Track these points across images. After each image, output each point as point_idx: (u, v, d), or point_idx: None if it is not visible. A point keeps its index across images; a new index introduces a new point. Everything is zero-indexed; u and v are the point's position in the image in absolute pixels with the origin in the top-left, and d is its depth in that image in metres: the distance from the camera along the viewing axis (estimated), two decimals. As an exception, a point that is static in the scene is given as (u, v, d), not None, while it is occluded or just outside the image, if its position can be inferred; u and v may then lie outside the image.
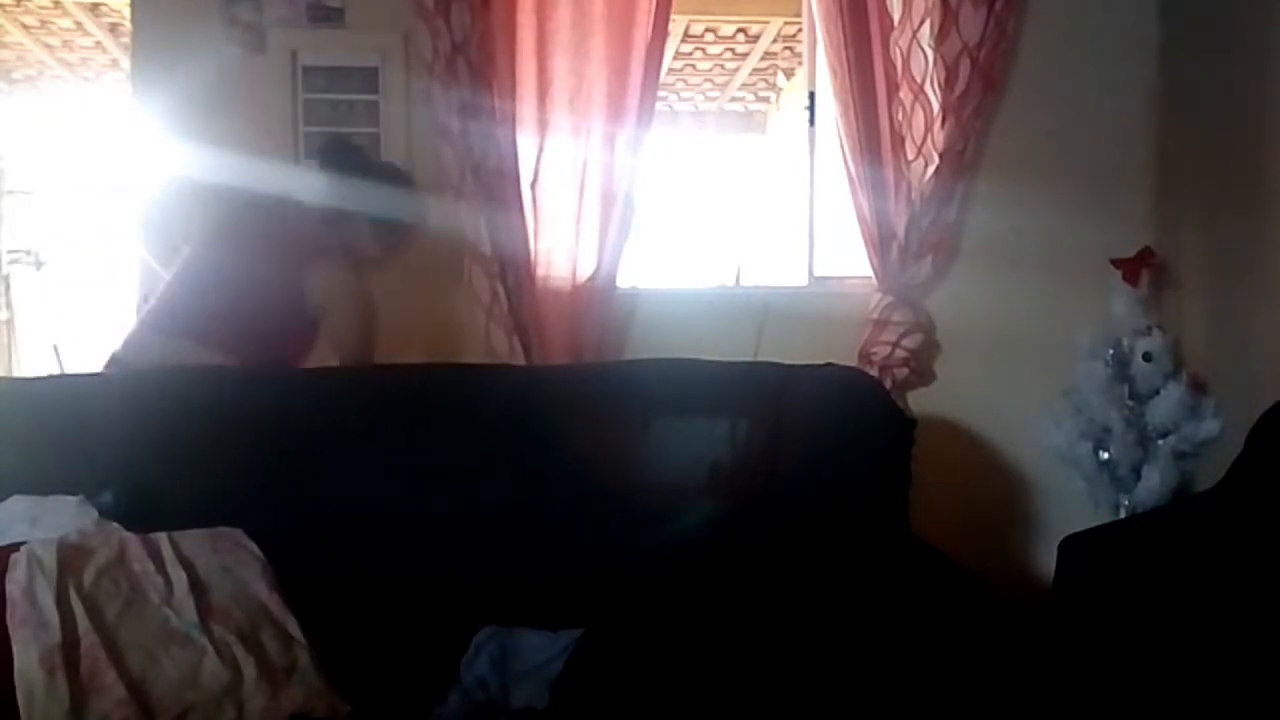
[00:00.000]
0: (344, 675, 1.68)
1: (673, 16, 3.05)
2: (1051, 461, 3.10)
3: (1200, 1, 3.05)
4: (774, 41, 5.93)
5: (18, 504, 1.86)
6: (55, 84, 6.78)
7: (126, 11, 3.09)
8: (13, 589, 1.56)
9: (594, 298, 3.00)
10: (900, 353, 3.06)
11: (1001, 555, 3.08)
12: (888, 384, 2.97)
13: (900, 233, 3.06)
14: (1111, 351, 3.01)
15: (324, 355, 2.38)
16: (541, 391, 2.26)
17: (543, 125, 2.96)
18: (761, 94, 7.28)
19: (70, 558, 1.62)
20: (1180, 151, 3.12)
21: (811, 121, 3.30)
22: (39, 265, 6.45)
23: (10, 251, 6.35)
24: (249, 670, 1.59)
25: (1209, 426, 2.88)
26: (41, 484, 1.90)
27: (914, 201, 3.05)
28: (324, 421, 2.10)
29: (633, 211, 3.01)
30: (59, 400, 2.11)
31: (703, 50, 6.27)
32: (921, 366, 3.13)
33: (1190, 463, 2.95)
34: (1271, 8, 2.69)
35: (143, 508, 1.88)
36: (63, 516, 1.81)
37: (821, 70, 3.20)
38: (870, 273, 3.12)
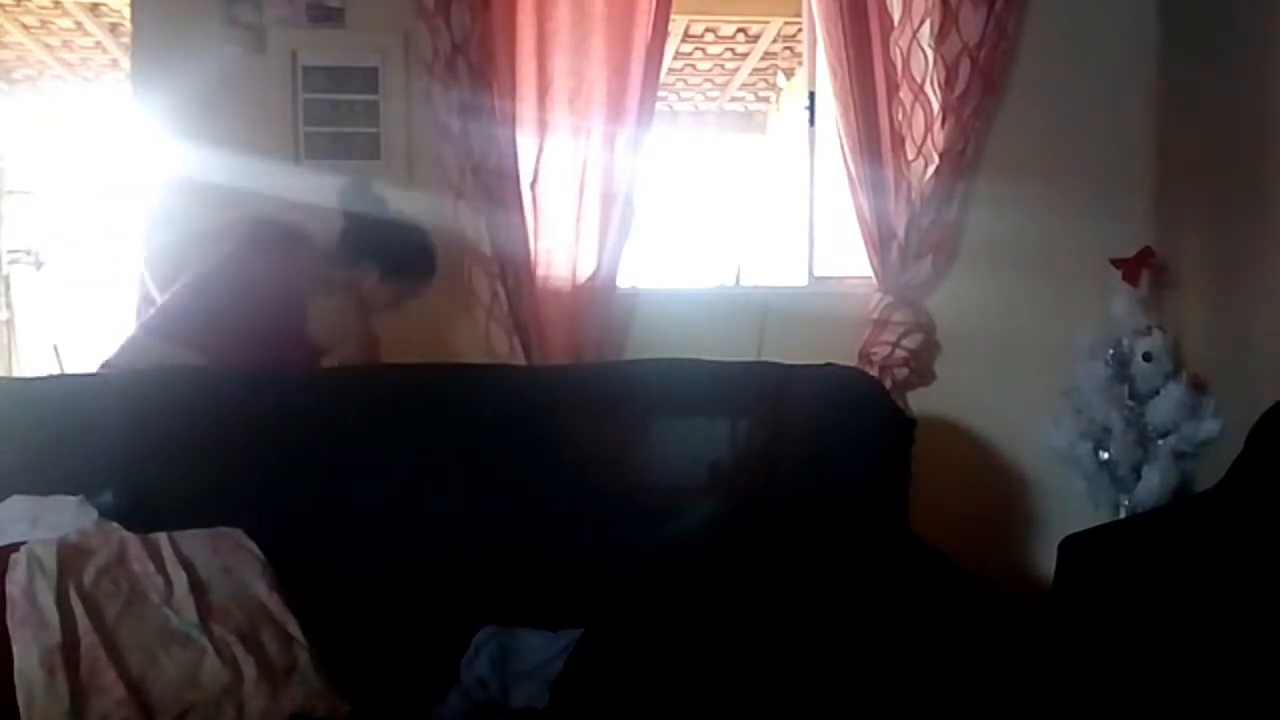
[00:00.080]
0: (344, 675, 1.68)
1: (673, 16, 3.05)
2: (1051, 461, 3.10)
3: (1200, 1, 3.05)
4: (774, 41, 5.93)
5: (18, 504, 1.86)
6: (55, 84, 6.78)
7: (126, 11, 3.09)
8: (13, 589, 1.56)
9: (594, 298, 3.00)
10: (900, 353, 3.06)
11: (1001, 555, 3.08)
12: (888, 384, 2.97)
13: (900, 233, 3.06)
14: (1111, 351, 3.01)
15: None
16: (541, 391, 2.26)
17: (543, 125, 2.96)
18: (761, 94, 7.28)
19: (70, 558, 1.62)
20: (1180, 151, 3.12)
21: (811, 121, 3.30)
22: (39, 265, 6.46)
23: (10, 251, 6.35)
24: (249, 670, 1.59)
25: (1209, 426, 2.88)
26: (41, 484, 1.90)
27: (914, 201, 3.05)
28: (324, 421, 2.10)
29: (633, 211, 3.01)
30: (59, 400, 2.11)
31: (703, 50, 6.27)
32: (921, 366, 3.13)
33: (1190, 463, 2.95)
34: (1271, 8, 2.69)
35: (143, 508, 1.88)
36: (63, 516, 1.81)
37: (821, 70, 3.20)
38: (870, 273, 3.12)
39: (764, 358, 2.69)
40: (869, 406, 2.16)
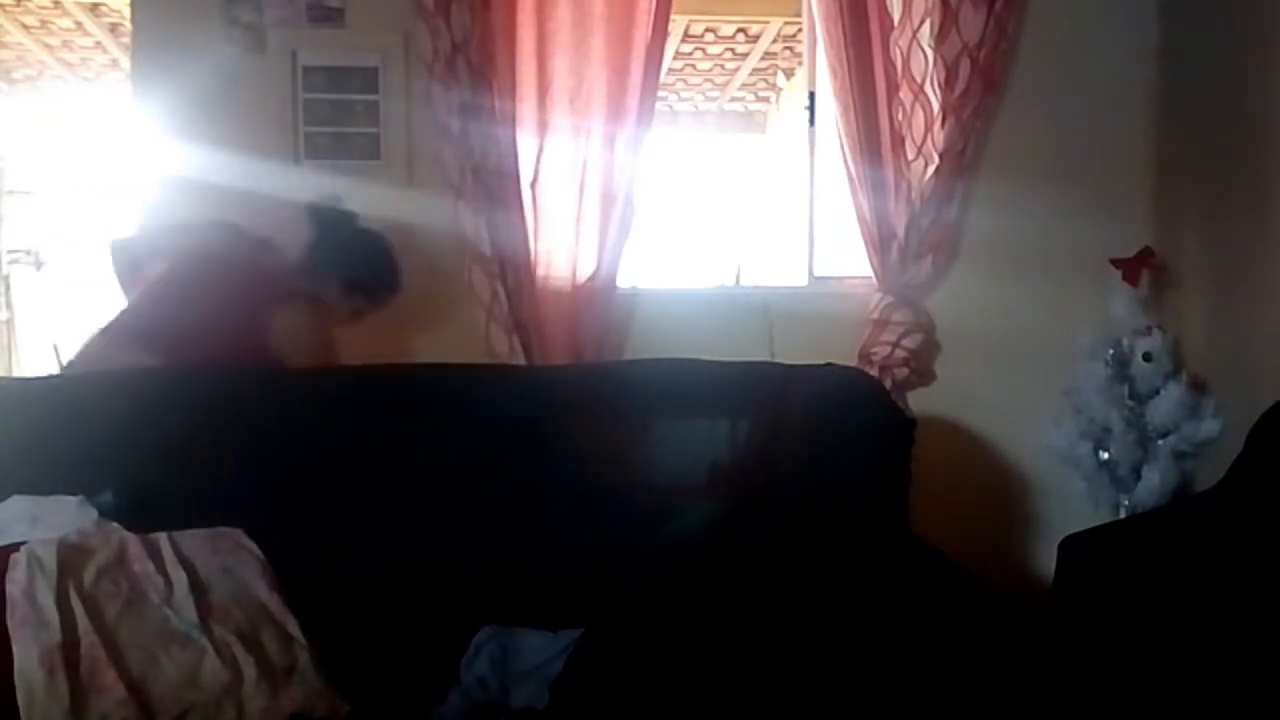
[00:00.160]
0: (344, 675, 1.68)
1: (673, 16, 3.05)
2: (1051, 461, 3.10)
3: (1200, 1, 3.05)
4: (774, 41, 5.93)
5: (18, 504, 1.86)
6: (55, 84, 6.78)
7: (126, 11, 3.09)
8: (13, 589, 1.56)
9: (594, 298, 3.00)
10: (900, 353, 3.06)
11: (1001, 555, 3.08)
12: (888, 384, 2.97)
13: (900, 233, 3.06)
14: (1111, 351, 3.01)
15: None
16: (541, 391, 2.26)
17: (543, 125, 2.96)
18: (761, 94, 7.28)
19: (70, 558, 1.62)
20: (1180, 151, 3.12)
21: (811, 121, 3.30)
22: (39, 265, 6.45)
23: (10, 251, 6.35)
24: (249, 670, 1.59)
25: (1209, 426, 2.88)
26: (41, 484, 1.89)
27: (914, 201, 3.05)
28: (324, 421, 2.10)
29: (633, 211, 3.01)
30: (59, 400, 2.11)
31: (703, 50, 6.27)
32: (921, 366, 3.13)
33: (1190, 463, 2.95)
34: (1271, 8, 2.69)
35: (143, 508, 1.87)
36: (63, 516, 1.81)
37: (821, 70, 3.20)
38: (870, 273, 3.12)
39: (764, 358, 2.69)
40: (869, 406, 2.16)
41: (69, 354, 2.31)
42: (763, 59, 6.35)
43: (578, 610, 1.81)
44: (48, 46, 6.12)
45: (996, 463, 3.16)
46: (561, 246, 3.00)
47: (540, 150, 2.97)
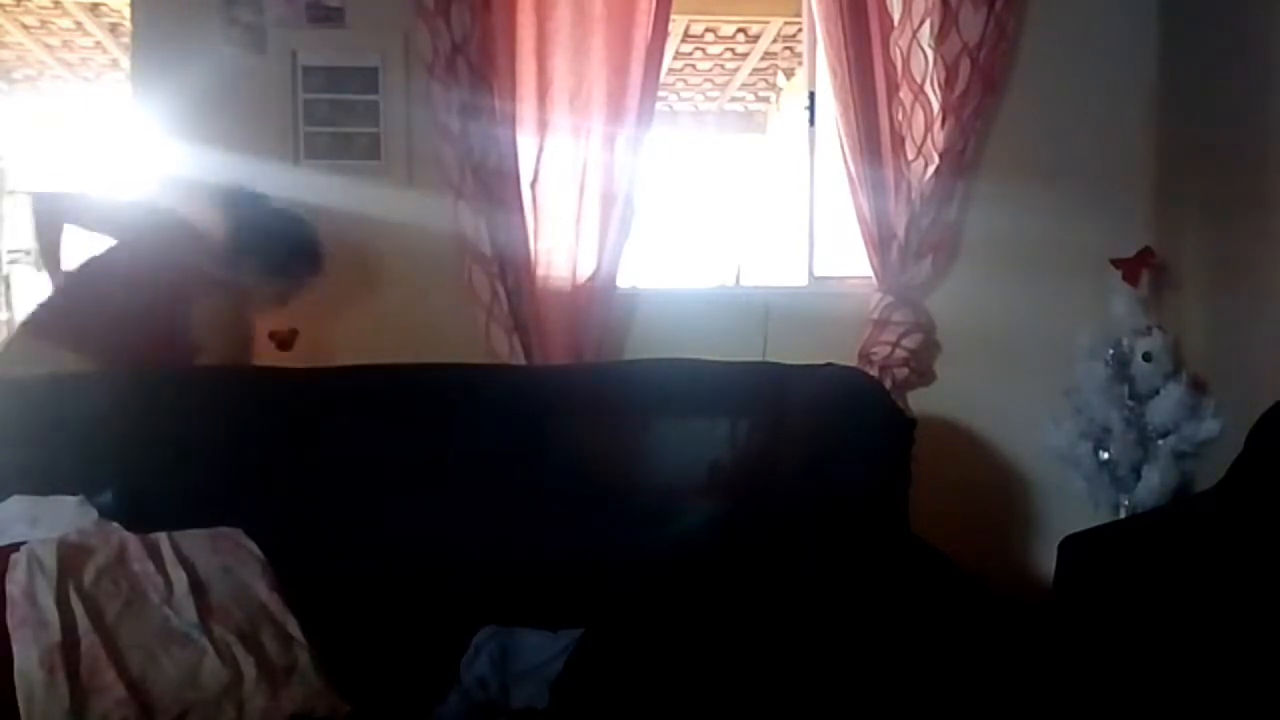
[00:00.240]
0: (344, 675, 1.68)
1: (673, 16, 3.05)
2: (1051, 461, 3.10)
3: (1200, 1, 3.05)
4: (774, 41, 5.93)
5: (18, 504, 1.86)
6: (55, 84, 6.78)
7: (126, 11, 3.09)
8: (13, 589, 1.56)
9: (594, 298, 3.00)
10: (900, 353, 3.06)
11: (1001, 555, 3.08)
12: (888, 384, 2.97)
13: (900, 233, 3.06)
14: (1111, 351, 3.01)
15: None
16: (541, 391, 2.26)
17: (543, 125, 2.96)
18: (761, 94, 7.28)
19: (70, 558, 1.63)
20: (1180, 151, 3.12)
21: (811, 121, 3.29)
22: (39, 265, 6.44)
23: (10, 251, 6.35)
24: (249, 670, 1.59)
25: (1209, 426, 2.88)
26: (41, 484, 1.90)
27: (914, 201, 3.05)
28: (324, 421, 2.10)
29: (633, 211, 3.01)
30: (59, 400, 2.11)
31: (703, 50, 6.27)
32: (921, 366, 3.13)
33: (1190, 463, 2.95)
34: (1271, 8, 2.69)
35: (143, 508, 1.88)
36: (63, 516, 1.82)
37: (821, 70, 3.20)
38: (870, 273, 3.12)
39: (766, 358, 2.69)
40: (869, 406, 2.15)
41: None
42: (763, 59, 6.35)
43: (578, 610, 1.81)
44: (48, 46, 6.13)
45: (996, 463, 3.16)
46: (561, 246, 3.00)
47: (540, 150, 2.97)
